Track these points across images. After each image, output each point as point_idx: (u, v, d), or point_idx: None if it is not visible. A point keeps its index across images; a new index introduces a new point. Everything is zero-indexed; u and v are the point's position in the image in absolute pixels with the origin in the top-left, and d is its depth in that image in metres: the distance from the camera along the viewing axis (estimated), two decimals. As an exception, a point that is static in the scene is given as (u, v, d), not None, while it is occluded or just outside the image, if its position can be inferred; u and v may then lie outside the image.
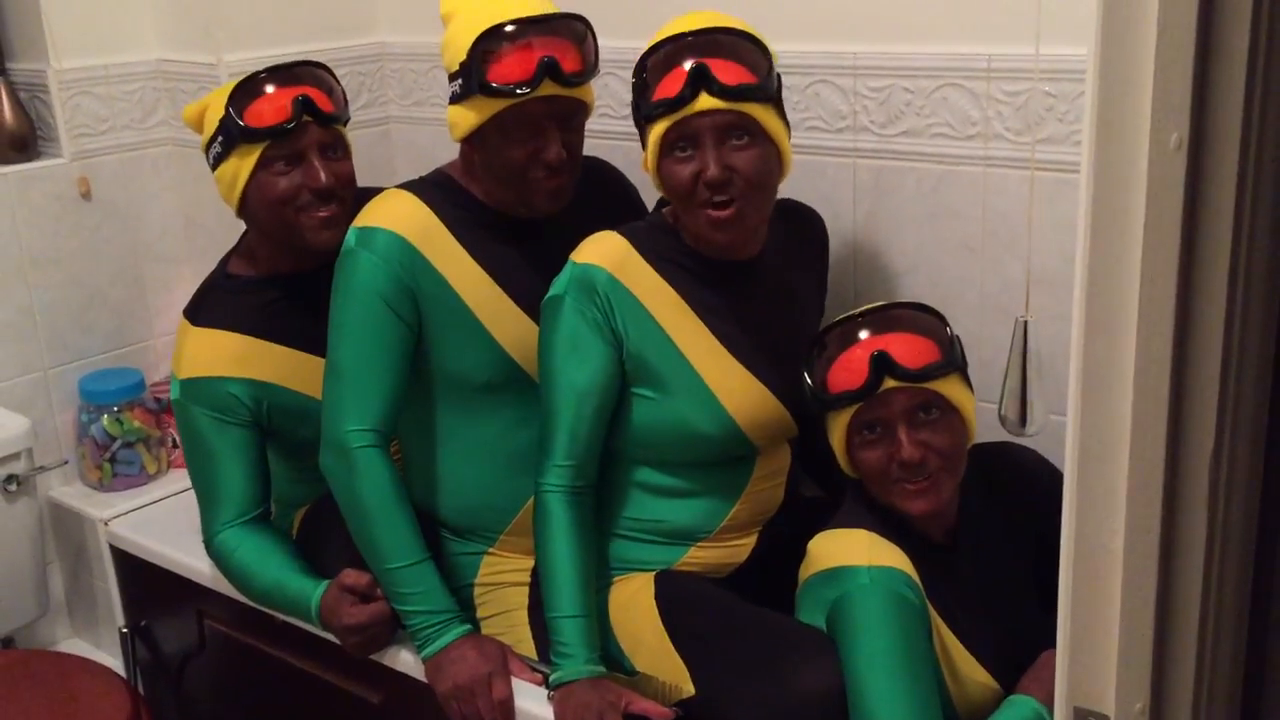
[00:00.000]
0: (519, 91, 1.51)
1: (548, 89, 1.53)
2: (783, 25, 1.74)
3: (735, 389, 1.54)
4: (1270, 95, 0.71)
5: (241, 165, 1.69)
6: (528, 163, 1.57)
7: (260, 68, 1.73)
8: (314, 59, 1.79)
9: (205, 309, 1.79)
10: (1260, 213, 0.73)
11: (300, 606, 1.68)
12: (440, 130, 2.29)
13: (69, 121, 2.20)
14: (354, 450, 1.58)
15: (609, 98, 1.94)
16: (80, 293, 2.26)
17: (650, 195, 1.85)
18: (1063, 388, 0.83)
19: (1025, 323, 0.85)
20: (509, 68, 1.52)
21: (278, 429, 1.79)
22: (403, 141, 2.37)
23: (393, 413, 1.62)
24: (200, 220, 2.31)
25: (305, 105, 1.67)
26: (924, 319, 1.45)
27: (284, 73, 1.71)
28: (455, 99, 1.58)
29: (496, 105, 1.53)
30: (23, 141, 2.20)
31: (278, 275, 1.79)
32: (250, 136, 1.67)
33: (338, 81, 1.78)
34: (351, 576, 1.62)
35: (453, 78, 1.58)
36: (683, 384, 1.54)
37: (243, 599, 1.80)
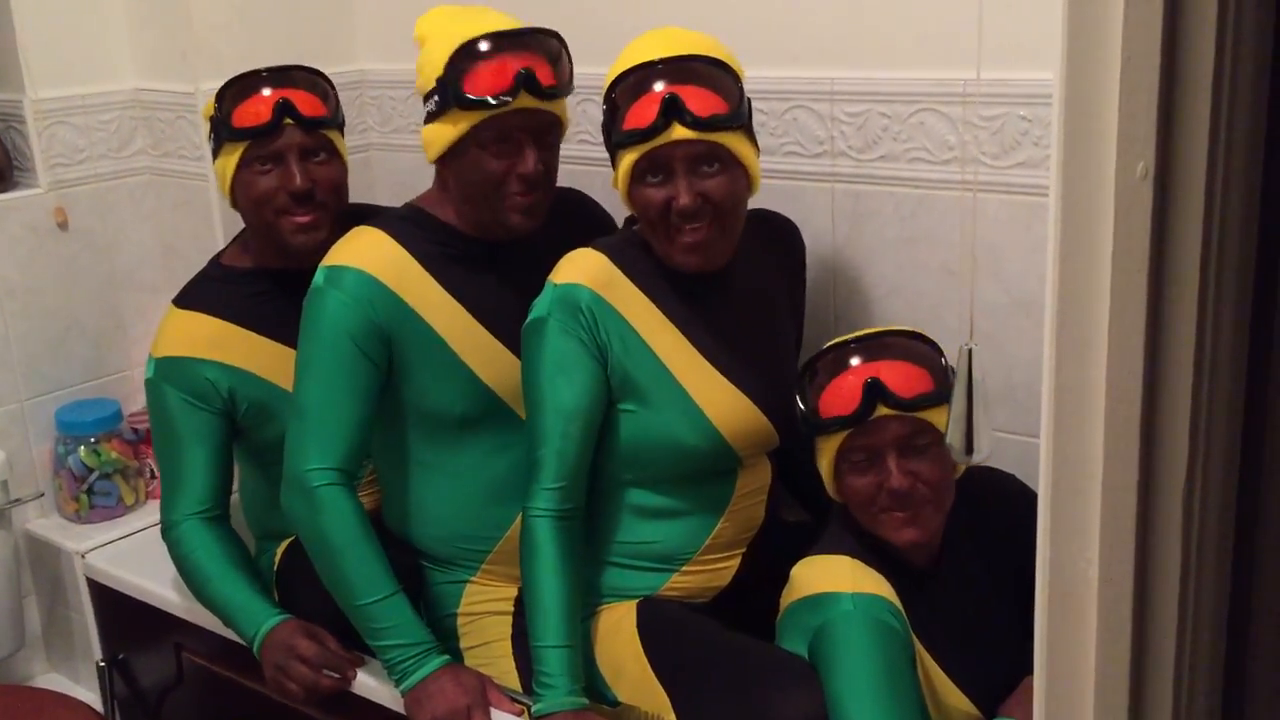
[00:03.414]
0: (495, 102, 1.52)
1: (524, 101, 1.53)
2: (760, 51, 1.74)
3: (718, 400, 1.54)
4: (1236, 124, 0.71)
5: (227, 162, 1.73)
6: (504, 177, 1.57)
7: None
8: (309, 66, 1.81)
9: (191, 294, 1.82)
10: (1228, 240, 0.73)
11: (247, 625, 1.69)
12: (420, 157, 2.28)
13: (45, 151, 2.19)
14: (315, 489, 1.57)
15: (586, 123, 1.94)
16: (56, 323, 2.24)
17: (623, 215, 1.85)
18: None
19: (970, 350, 0.85)
20: (486, 79, 1.52)
21: (246, 426, 1.79)
22: (383, 169, 2.36)
23: (357, 452, 1.61)
24: (178, 249, 2.30)
25: (285, 108, 1.70)
26: (919, 347, 1.44)
27: (276, 75, 1.75)
28: (431, 117, 1.58)
29: (473, 118, 1.54)
30: (-1, 172, 2.19)
31: (266, 269, 1.81)
32: (233, 135, 1.72)
33: (332, 87, 1.80)
34: (307, 649, 1.64)
35: (428, 96, 1.58)
36: (667, 397, 1.54)
37: (223, 632, 1.79)
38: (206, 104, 1.81)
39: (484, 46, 1.53)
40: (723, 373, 1.56)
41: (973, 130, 1.65)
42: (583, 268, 1.54)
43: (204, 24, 2.12)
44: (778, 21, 1.78)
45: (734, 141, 1.46)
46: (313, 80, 1.77)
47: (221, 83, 1.76)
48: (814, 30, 1.76)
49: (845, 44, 1.74)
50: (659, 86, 1.44)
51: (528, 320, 1.55)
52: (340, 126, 1.80)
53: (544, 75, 1.54)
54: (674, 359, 1.54)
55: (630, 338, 1.53)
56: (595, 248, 1.56)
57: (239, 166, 1.72)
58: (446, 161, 1.60)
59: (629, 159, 1.46)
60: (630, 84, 1.47)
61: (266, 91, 1.72)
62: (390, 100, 2.32)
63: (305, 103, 1.73)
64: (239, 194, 1.75)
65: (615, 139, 1.48)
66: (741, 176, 1.49)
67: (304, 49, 2.23)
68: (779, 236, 1.71)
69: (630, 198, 1.51)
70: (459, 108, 1.53)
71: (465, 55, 1.53)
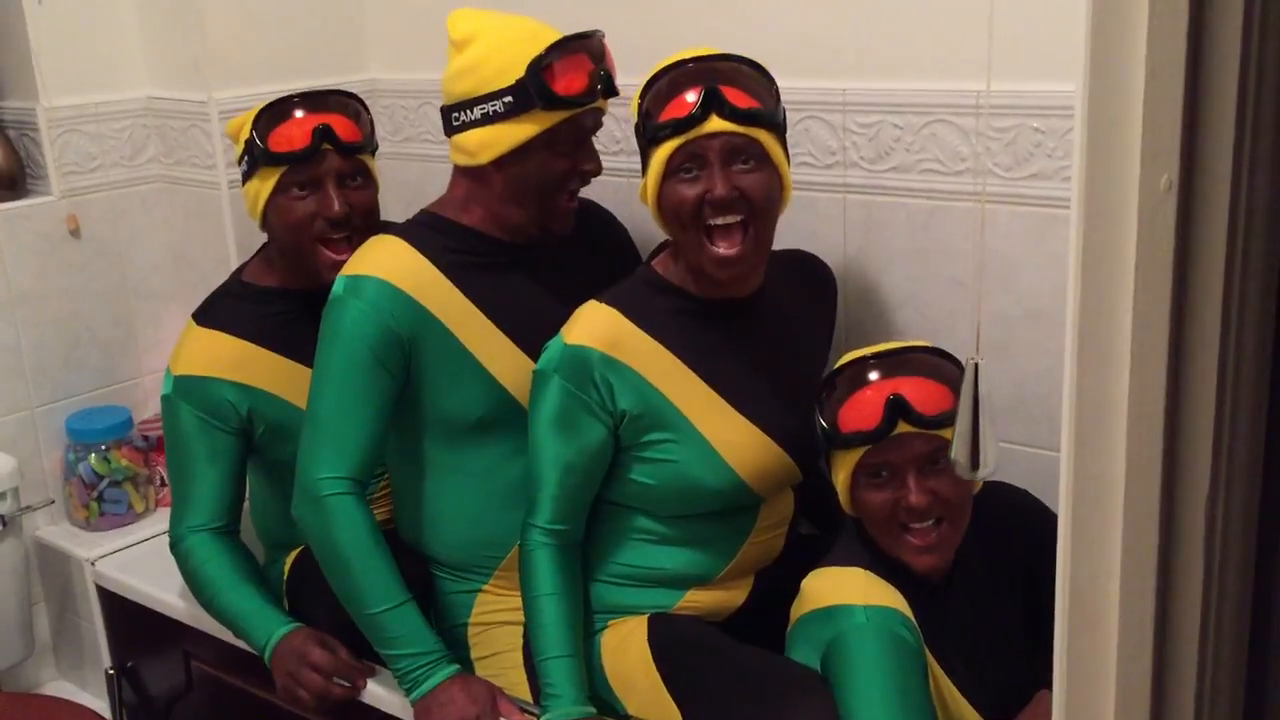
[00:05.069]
0: (581, 101, 1.56)
1: (599, 101, 1.59)
2: (772, 61, 1.74)
3: (737, 442, 1.53)
4: (1260, 136, 0.70)
5: (262, 187, 1.73)
6: (567, 176, 1.60)
7: (260, 102, 1.77)
8: (345, 89, 1.83)
9: (212, 311, 1.81)
10: (1252, 253, 0.73)
11: (259, 634, 1.70)
12: (430, 166, 2.30)
13: (58, 159, 2.20)
14: (326, 498, 1.57)
15: (602, 135, 1.94)
16: (68, 331, 2.24)
17: (640, 237, 1.85)
18: (1056, 424, 0.82)
19: (976, 364, 0.85)
20: (574, 80, 1.56)
21: (262, 445, 1.80)
22: (392, 179, 2.36)
23: (369, 463, 1.61)
24: (189, 257, 2.31)
25: (325, 134, 1.71)
26: (941, 364, 1.44)
27: (312, 99, 1.76)
28: (491, 119, 1.57)
29: (556, 117, 1.56)
30: (11, 179, 2.19)
31: (290, 289, 1.81)
32: (270, 160, 1.71)
33: (367, 110, 1.81)
34: (319, 657, 1.64)
35: (489, 98, 1.57)
36: (685, 442, 1.53)
37: (232, 640, 1.79)
38: (232, 124, 1.81)
39: (565, 48, 1.56)
40: (741, 411, 1.55)
41: (985, 142, 1.64)
42: (592, 327, 1.53)
43: (217, 33, 2.13)
44: (790, 32, 1.78)
45: (769, 140, 1.46)
46: (349, 105, 1.78)
47: (234, 92, 1.77)
48: (826, 41, 1.76)
49: (857, 55, 1.74)
50: (697, 82, 1.44)
51: (537, 368, 1.55)
52: (374, 151, 1.80)
53: (614, 76, 1.60)
54: (690, 404, 1.53)
55: (646, 390, 1.52)
56: (606, 301, 1.55)
57: (274, 191, 1.72)
58: (502, 163, 1.60)
59: (664, 152, 1.45)
60: (665, 83, 1.47)
61: (304, 116, 1.72)
62: (401, 109, 2.32)
63: (343, 128, 1.73)
64: (273, 218, 1.75)
65: (650, 133, 1.47)
66: (775, 178, 1.48)
67: (315, 58, 2.24)
68: (816, 280, 1.72)
69: (661, 200, 1.48)
70: (545, 108, 1.55)
71: (549, 57, 1.55)
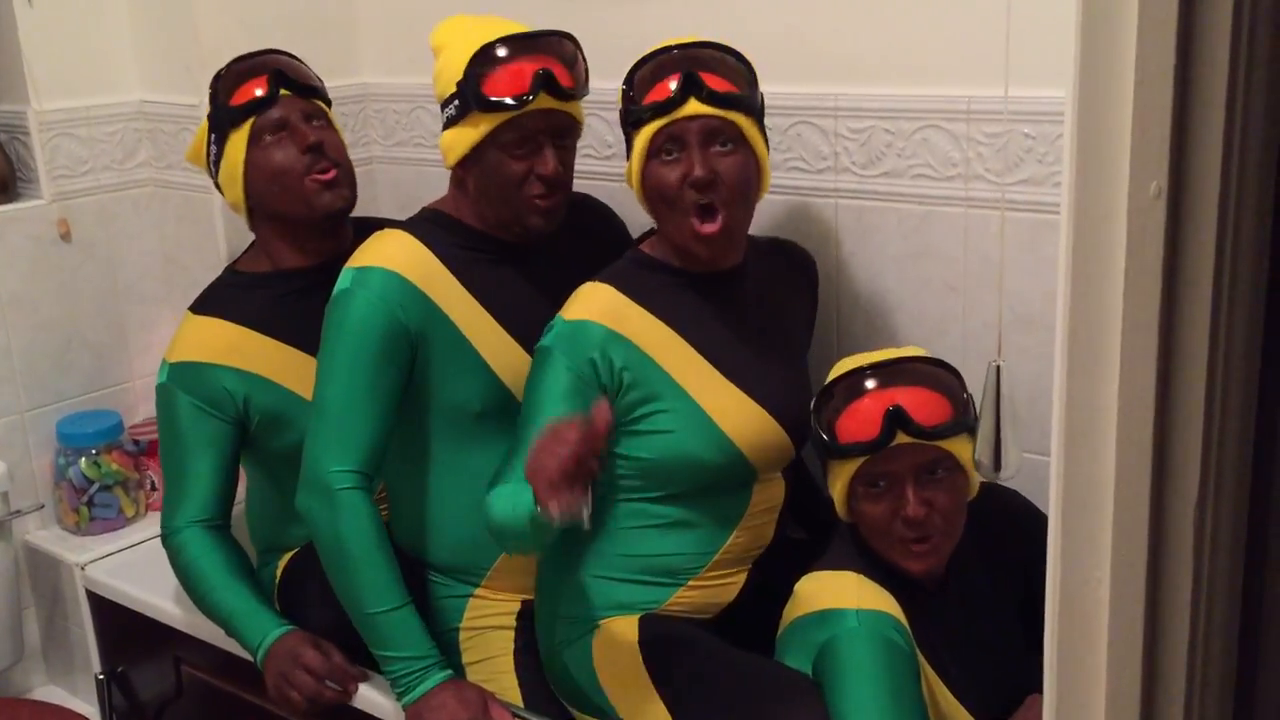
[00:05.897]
0: (516, 103, 1.55)
1: (544, 102, 1.56)
2: (764, 67, 1.74)
3: (732, 413, 1.55)
4: (1248, 143, 0.71)
5: (236, 151, 1.74)
6: (524, 178, 1.59)
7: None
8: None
9: (208, 301, 1.82)
10: (1241, 260, 0.73)
11: (252, 634, 1.69)
12: (423, 169, 2.31)
13: (49, 163, 2.19)
14: (337, 491, 1.57)
15: (591, 138, 1.94)
16: (58, 334, 2.24)
17: (635, 229, 1.86)
18: (1046, 428, 0.82)
19: (998, 367, 0.85)
20: (506, 81, 1.55)
21: (258, 436, 1.79)
22: (387, 181, 2.37)
23: (377, 456, 1.61)
24: (181, 261, 2.30)
25: (279, 77, 1.74)
26: (939, 374, 1.44)
27: (258, 57, 1.79)
28: (450, 122, 1.61)
29: (494, 120, 1.56)
30: (2, 183, 2.19)
31: (282, 271, 1.81)
32: (235, 115, 1.73)
33: (308, 68, 1.84)
34: (313, 659, 1.64)
35: (447, 102, 1.61)
36: (682, 414, 1.54)
37: (222, 645, 1.79)
38: (193, 145, 1.83)
39: (502, 49, 1.56)
40: (737, 384, 1.56)
41: (976, 147, 1.65)
42: (593, 304, 1.55)
43: (209, 36, 2.13)
44: (782, 37, 1.78)
45: (746, 124, 1.49)
46: (292, 58, 1.82)
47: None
48: (818, 46, 1.77)
49: (849, 60, 1.75)
50: (678, 68, 1.48)
51: (537, 346, 1.56)
52: (329, 104, 1.83)
53: (562, 76, 1.57)
54: (688, 376, 1.54)
55: (646, 364, 1.53)
56: (602, 280, 1.57)
57: (249, 146, 1.74)
58: (466, 165, 1.62)
59: (646, 133, 1.49)
60: (649, 68, 1.50)
61: (257, 71, 1.76)
62: (394, 113, 2.32)
63: (295, 73, 1.78)
64: (254, 178, 1.75)
65: (634, 115, 1.50)
66: (753, 162, 1.51)
67: (308, 61, 2.23)
68: (799, 266, 1.74)
69: (645, 181, 1.51)
70: (480, 110, 1.56)
71: (484, 59, 1.55)
